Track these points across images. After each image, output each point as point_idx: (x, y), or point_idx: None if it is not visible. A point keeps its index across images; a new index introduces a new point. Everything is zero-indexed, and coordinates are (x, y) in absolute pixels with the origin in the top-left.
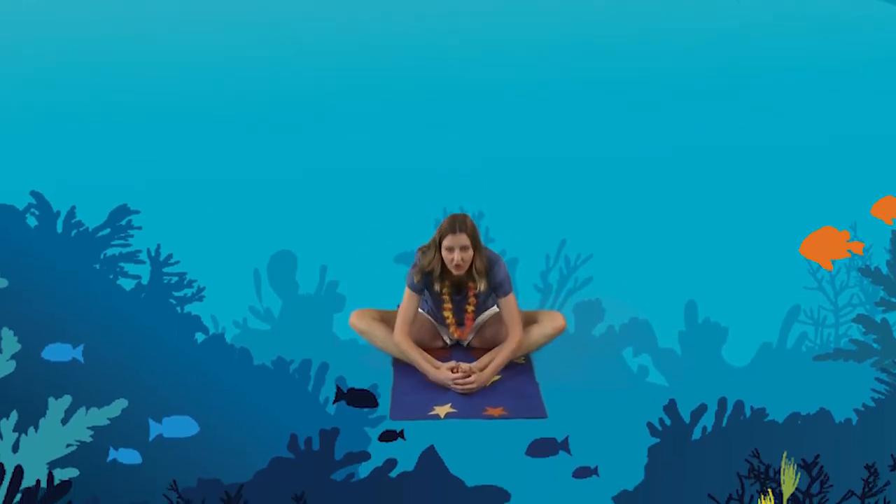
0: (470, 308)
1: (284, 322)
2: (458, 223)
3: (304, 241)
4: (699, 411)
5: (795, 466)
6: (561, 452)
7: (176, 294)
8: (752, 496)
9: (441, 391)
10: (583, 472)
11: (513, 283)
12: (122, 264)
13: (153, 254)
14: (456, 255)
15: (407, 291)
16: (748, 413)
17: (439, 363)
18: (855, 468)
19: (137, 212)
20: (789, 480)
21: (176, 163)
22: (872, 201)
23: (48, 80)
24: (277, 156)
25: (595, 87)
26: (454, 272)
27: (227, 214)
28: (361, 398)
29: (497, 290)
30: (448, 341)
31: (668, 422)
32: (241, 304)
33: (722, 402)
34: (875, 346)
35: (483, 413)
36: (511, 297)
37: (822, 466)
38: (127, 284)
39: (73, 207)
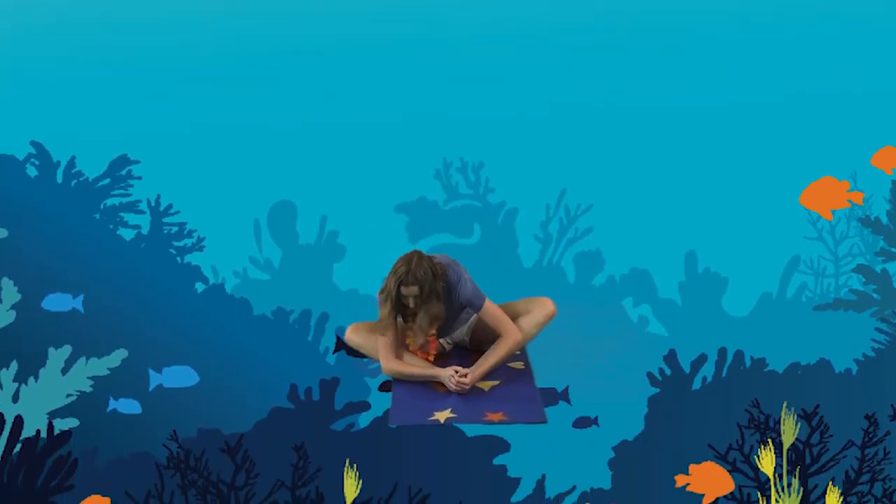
0: (431, 343)
1: (284, 272)
2: (410, 275)
3: (304, 190)
4: (699, 361)
5: (795, 416)
6: (561, 402)
7: (176, 244)
8: (751, 446)
9: (441, 397)
10: (583, 423)
11: (515, 233)
12: (122, 214)
13: (153, 204)
14: (411, 302)
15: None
16: (748, 363)
17: (440, 369)
18: (855, 418)
19: (137, 162)
20: (789, 430)
21: (176, 112)
22: (872, 151)
23: (47, 29)
24: (277, 105)
25: (595, 34)
26: (410, 315)
27: (227, 164)
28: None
29: (470, 307)
30: (446, 347)
31: (668, 372)
32: (241, 254)
33: (722, 352)
34: (875, 296)
35: (483, 418)
36: (487, 305)
37: (822, 416)
38: (127, 234)
39: (73, 157)
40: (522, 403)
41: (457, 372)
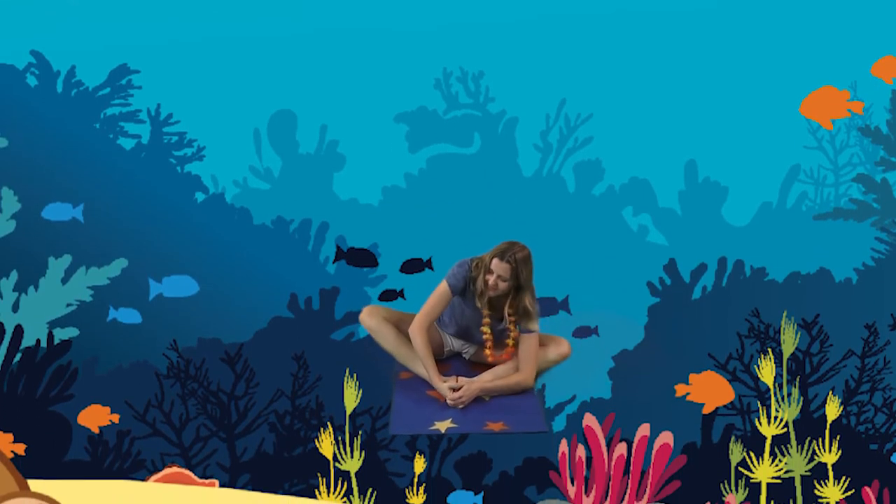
0: (510, 342)
1: (284, 181)
2: (508, 253)
3: (305, 99)
4: (699, 271)
5: (795, 326)
6: (561, 312)
7: (176, 153)
8: (752, 356)
9: (442, 407)
10: (583, 332)
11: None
12: (122, 124)
13: (153, 113)
14: (493, 278)
15: (444, 287)
16: (748, 272)
17: (444, 378)
18: (855, 327)
19: (137, 71)
20: (789, 340)
21: (176, 21)
22: (872, 60)
23: None
24: (277, 13)
25: None
26: (488, 292)
27: (227, 73)
28: (362, 257)
29: (528, 322)
30: (450, 349)
31: (668, 281)
32: (241, 164)
33: (722, 262)
34: (875, 205)
35: (483, 428)
36: (536, 335)
37: (822, 326)
38: (127, 144)
39: (73, 67)
40: (523, 414)
41: (453, 389)
